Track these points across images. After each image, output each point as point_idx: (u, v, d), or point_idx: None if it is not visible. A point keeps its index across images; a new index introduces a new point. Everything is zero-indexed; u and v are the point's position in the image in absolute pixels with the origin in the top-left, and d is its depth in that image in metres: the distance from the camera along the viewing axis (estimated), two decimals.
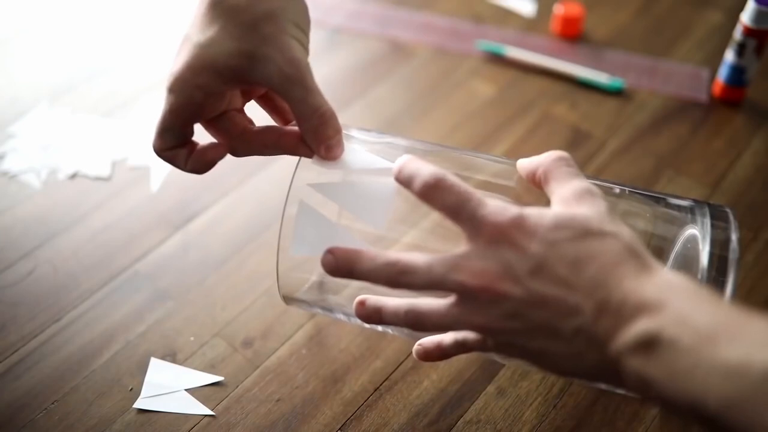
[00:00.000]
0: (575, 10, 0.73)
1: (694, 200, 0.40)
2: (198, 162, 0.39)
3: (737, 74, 0.65)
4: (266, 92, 0.41)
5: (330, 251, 0.34)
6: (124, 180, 0.60)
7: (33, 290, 0.52)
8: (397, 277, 0.32)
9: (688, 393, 0.27)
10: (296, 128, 0.38)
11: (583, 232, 0.32)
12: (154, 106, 0.67)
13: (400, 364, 0.48)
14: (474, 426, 0.45)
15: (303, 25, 0.36)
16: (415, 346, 0.39)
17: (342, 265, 0.33)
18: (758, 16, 0.60)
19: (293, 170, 0.40)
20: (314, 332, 0.50)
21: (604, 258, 0.31)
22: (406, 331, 0.41)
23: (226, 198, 0.59)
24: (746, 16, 0.61)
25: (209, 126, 0.40)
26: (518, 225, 0.31)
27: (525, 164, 0.37)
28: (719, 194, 0.59)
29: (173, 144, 0.39)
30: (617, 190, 0.39)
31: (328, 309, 0.42)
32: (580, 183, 0.34)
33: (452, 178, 0.33)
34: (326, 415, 0.45)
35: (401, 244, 0.39)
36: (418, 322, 0.33)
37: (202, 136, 0.40)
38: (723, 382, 0.26)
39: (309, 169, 0.39)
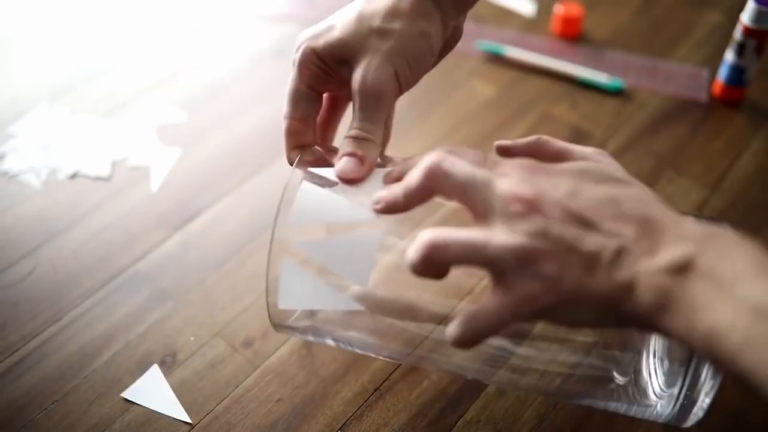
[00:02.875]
0: (575, 10, 0.73)
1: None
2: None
3: (737, 74, 0.65)
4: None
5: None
6: (124, 180, 0.60)
7: (33, 290, 0.52)
8: (430, 254, 0.31)
9: (705, 325, 0.27)
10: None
11: (611, 176, 0.33)
12: (154, 106, 0.67)
13: (400, 364, 0.48)
14: (474, 426, 0.45)
15: (413, 62, 0.39)
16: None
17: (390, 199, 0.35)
18: (758, 16, 0.60)
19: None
20: None
21: (640, 195, 0.32)
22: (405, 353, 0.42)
23: (226, 198, 0.59)
24: (746, 16, 0.61)
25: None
26: (545, 168, 0.33)
27: (508, 143, 0.39)
28: (719, 194, 0.59)
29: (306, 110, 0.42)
30: None
31: (319, 335, 0.42)
32: (587, 147, 0.36)
33: (444, 232, 0.31)
34: (326, 415, 0.45)
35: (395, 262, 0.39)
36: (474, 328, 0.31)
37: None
38: (747, 321, 0.26)
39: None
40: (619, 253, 0.30)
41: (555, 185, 0.31)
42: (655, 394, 0.38)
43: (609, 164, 0.34)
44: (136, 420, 0.45)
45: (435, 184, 0.33)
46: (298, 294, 0.38)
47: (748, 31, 0.62)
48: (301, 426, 0.45)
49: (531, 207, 0.30)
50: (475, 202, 0.32)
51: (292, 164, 0.40)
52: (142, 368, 0.48)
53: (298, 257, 0.38)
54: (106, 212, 0.58)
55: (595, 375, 0.38)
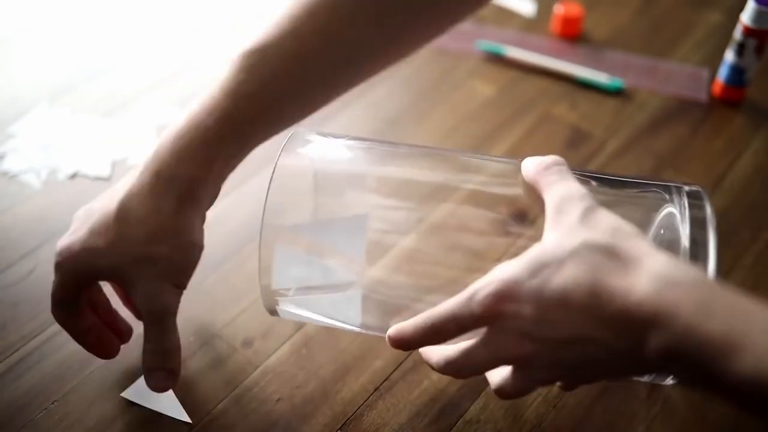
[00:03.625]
0: (575, 10, 0.73)
1: (666, 182, 0.40)
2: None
3: (737, 74, 0.65)
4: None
5: (389, 337, 0.38)
6: None
7: (33, 290, 0.52)
8: (454, 375, 0.38)
9: (725, 392, 0.29)
10: None
11: (560, 263, 0.32)
12: (154, 106, 0.67)
13: (400, 364, 0.48)
14: (474, 426, 0.45)
15: (188, 270, 0.41)
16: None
17: (396, 344, 0.38)
18: (758, 16, 0.60)
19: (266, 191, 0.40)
20: (314, 332, 0.50)
21: (588, 278, 0.31)
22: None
23: (226, 198, 0.59)
24: (746, 16, 0.61)
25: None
26: (502, 297, 0.33)
27: (526, 174, 0.38)
28: (719, 194, 0.59)
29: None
30: (593, 183, 0.40)
31: (317, 312, 0.43)
32: (561, 190, 0.35)
33: (432, 314, 0.36)
34: (326, 415, 0.45)
35: (399, 249, 0.39)
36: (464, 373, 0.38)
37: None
38: (750, 390, 0.27)
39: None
40: (609, 352, 0.32)
41: (523, 323, 0.33)
42: None
43: (562, 227, 0.34)
44: (136, 420, 0.45)
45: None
46: (291, 272, 0.39)
47: (748, 31, 0.62)
48: (301, 426, 0.45)
49: (522, 361, 0.35)
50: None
51: None
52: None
53: (288, 240, 0.39)
54: None
55: None
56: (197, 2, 0.79)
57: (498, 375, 0.36)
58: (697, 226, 0.37)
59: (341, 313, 0.41)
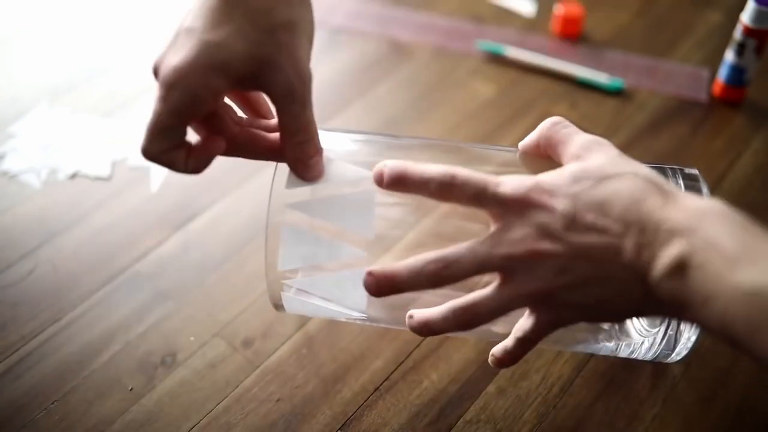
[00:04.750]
0: (575, 10, 0.73)
1: (662, 164, 0.41)
2: (201, 159, 0.37)
3: (737, 74, 0.65)
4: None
5: (369, 273, 0.34)
6: (124, 180, 0.60)
7: (33, 290, 0.52)
8: (441, 272, 0.33)
9: (717, 316, 0.28)
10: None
11: (601, 177, 0.33)
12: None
13: (400, 364, 0.48)
14: (474, 426, 0.45)
15: (312, 39, 0.37)
16: (490, 357, 0.38)
17: (383, 282, 0.33)
18: (758, 16, 0.60)
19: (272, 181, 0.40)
20: (314, 332, 0.50)
21: (628, 195, 0.32)
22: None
23: (226, 198, 0.59)
24: (746, 16, 0.61)
25: (200, 124, 0.38)
26: (539, 190, 0.33)
27: (526, 142, 0.39)
28: (719, 194, 0.59)
29: (172, 145, 0.35)
30: None
31: (321, 303, 0.42)
32: (584, 137, 0.36)
33: (462, 170, 0.33)
34: (326, 415, 0.45)
35: (402, 245, 0.39)
36: (473, 318, 0.34)
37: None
38: (745, 306, 0.27)
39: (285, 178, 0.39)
40: (626, 270, 0.31)
41: (552, 216, 0.32)
42: (637, 332, 0.41)
43: (601, 157, 0.34)
44: (136, 420, 0.45)
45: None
46: (298, 251, 0.38)
47: (748, 31, 0.62)
48: (301, 426, 0.45)
49: (535, 256, 0.32)
50: (486, 269, 0.33)
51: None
52: (142, 368, 0.48)
53: (294, 218, 0.38)
54: (106, 212, 0.58)
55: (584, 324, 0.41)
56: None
57: (471, 295, 0.34)
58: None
59: (347, 295, 0.40)
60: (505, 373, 0.47)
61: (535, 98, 0.68)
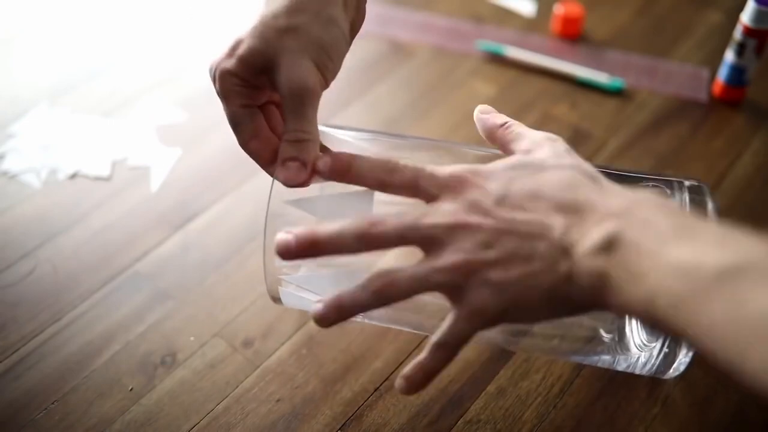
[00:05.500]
0: (575, 10, 0.73)
1: (667, 176, 0.41)
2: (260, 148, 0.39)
3: (737, 74, 0.65)
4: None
5: (287, 231, 0.33)
6: (124, 180, 0.60)
7: (33, 290, 0.52)
8: (368, 229, 0.32)
9: (642, 294, 0.28)
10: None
11: (540, 168, 0.34)
12: (154, 106, 0.67)
13: (400, 364, 0.48)
14: (474, 426, 0.45)
15: (330, 51, 0.37)
16: (397, 381, 0.35)
17: (302, 242, 0.33)
18: (758, 16, 0.60)
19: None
20: (314, 332, 0.50)
21: (563, 181, 0.33)
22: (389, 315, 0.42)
23: (226, 198, 0.59)
24: (746, 16, 0.61)
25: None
26: (474, 172, 0.34)
27: (481, 121, 0.40)
28: (719, 194, 0.59)
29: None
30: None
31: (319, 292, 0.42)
32: (537, 133, 0.37)
33: (401, 160, 0.35)
34: (326, 415, 0.45)
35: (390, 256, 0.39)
36: (390, 286, 0.32)
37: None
38: (673, 281, 0.27)
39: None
40: (553, 247, 0.31)
41: (485, 194, 0.33)
42: (636, 347, 0.41)
43: (547, 151, 0.35)
44: (136, 420, 0.45)
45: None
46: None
47: (748, 31, 0.62)
48: (301, 426, 0.45)
49: (460, 226, 0.32)
50: (412, 242, 0.33)
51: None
52: (142, 368, 0.48)
53: (294, 215, 0.39)
54: (106, 212, 0.58)
55: (585, 335, 0.41)
56: (197, 2, 0.79)
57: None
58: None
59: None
60: (505, 372, 0.47)
61: (535, 98, 0.68)
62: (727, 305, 0.25)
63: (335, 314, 0.33)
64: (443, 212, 0.33)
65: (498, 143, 0.39)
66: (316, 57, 0.37)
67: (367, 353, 0.48)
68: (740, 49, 0.63)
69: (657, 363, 0.40)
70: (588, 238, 0.30)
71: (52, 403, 0.46)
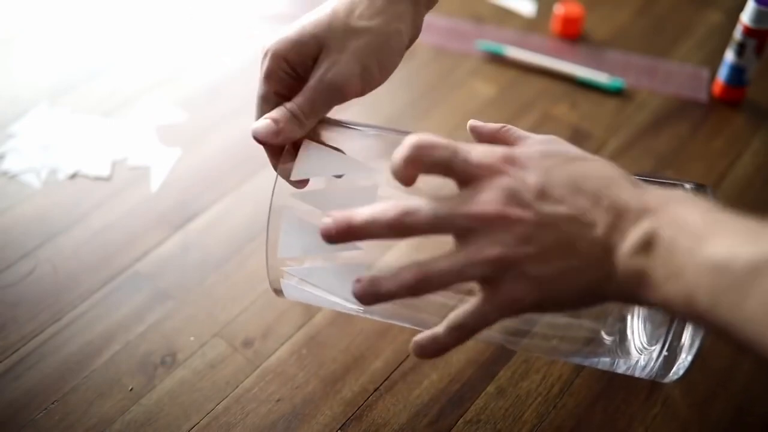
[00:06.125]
0: (575, 10, 0.73)
1: (673, 180, 0.41)
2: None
3: (737, 74, 0.65)
4: None
5: (328, 215, 0.32)
6: (124, 180, 0.60)
7: (33, 290, 0.52)
8: (401, 219, 0.31)
9: (681, 291, 0.28)
10: None
11: (570, 158, 0.33)
12: (154, 106, 0.67)
13: (400, 364, 0.48)
14: (474, 426, 0.45)
15: (384, 63, 0.39)
16: (411, 344, 0.34)
17: (341, 224, 0.32)
18: (758, 16, 0.60)
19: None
20: (314, 332, 0.50)
21: (600, 173, 0.33)
22: (407, 315, 0.42)
23: (226, 198, 0.59)
24: (746, 16, 0.61)
25: None
26: (510, 160, 0.33)
27: (475, 131, 0.39)
28: (719, 194, 0.59)
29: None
30: None
31: (322, 293, 0.42)
32: (540, 135, 0.36)
33: (432, 137, 0.32)
34: (326, 415, 0.45)
35: (405, 243, 0.39)
36: (424, 278, 0.31)
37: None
38: (709, 278, 0.27)
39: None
40: (594, 245, 0.31)
41: (524, 185, 0.32)
42: (637, 350, 0.41)
43: (563, 145, 0.35)
44: (136, 420, 0.45)
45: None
46: (298, 242, 0.39)
47: (748, 31, 0.62)
48: (301, 426, 0.45)
49: (500, 219, 0.31)
50: (445, 232, 0.32)
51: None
52: (142, 368, 0.48)
53: (296, 208, 0.39)
54: (106, 212, 0.58)
55: (585, 336, 0.41)
56: (197, 2, 0.79)
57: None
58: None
59: (345, 287, 0.40)
60: (505, 372, 0.47)
61: (535, 98, 0.68)
62: (764, 297, 0.26)
63: (372, 299, 0.32)
64: (480, 201, 0.31)
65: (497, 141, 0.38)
66: (367, 63, 0.38)
67: (367, 353, 0.48)
68: (740, 49, 0.63)
69: (657, 366, 0.40)
70: (628, 239, 0.30)
71: (52, 403, 0.46)
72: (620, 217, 0.31)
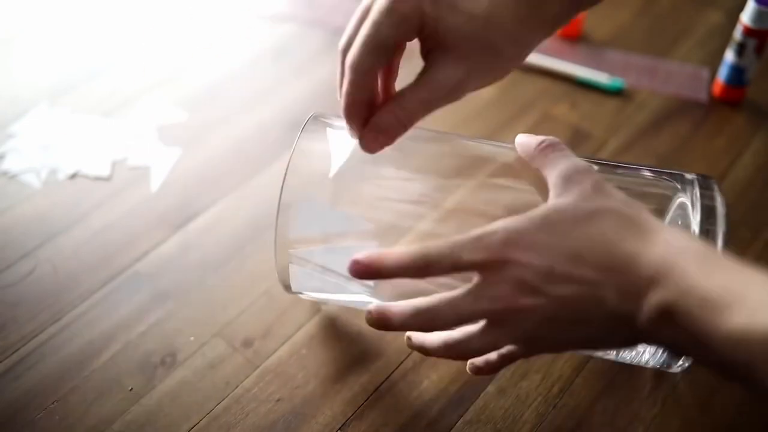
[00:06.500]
0: None
1: (680, 172, 0.41)
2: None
3: (737, 74, 0.65)
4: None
5: (361, 256, 0.34)
6: (124, 180, 0.60)
7: (33, 290, 0.52)
8: (425, 325, 0.34)
9: (709, 356, 0.29)
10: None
11: (573, 222, 0.33)
12: (154, 106, 0.67)
13: (400, 364, 0.48)
14: (474, 426, 0.45)
15: (496, 71, 0.39)
16: (468, 365, 0.39)
17: (375, 324, 0.36)
18: (758, 16, 0.60)
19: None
20: (314, 332, 0.50)
21: (603, 239, 0.32)
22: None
23: (226, 198, 0.59)
24: (746, 16, 0.61)
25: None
26: (512, 245, 0.32)
27: (521, 151, 0.39)
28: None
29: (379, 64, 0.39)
30: (604, 170, 0.41)
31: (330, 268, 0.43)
32: (567, 163, 0.35)
33: (432, 248, 0.33)
34: (326, 415, 0.45)
35: (415, 233, 0.39)
36: (460, 354, 0.36)
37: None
38: (734, 352, 0.28)
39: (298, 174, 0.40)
40: (608, 316, 0.32)
41: (530, 271, 0.32)
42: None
43: (575, 193, 0.34)
44: (136, 420, 0.45)
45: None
46: (311, 223, 0.39)
47: (748, 31, 0.62)
48: (301, 426, 0.45)
49: (516, 312, 0.33)
50: (469, 322, 0.34)
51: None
52: (142, 368, 0.48)
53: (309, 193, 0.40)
54: (106, 212, 0.58)
55: None
56: (197, 2, 0.79)
57: (461, 331, 0.35)
58: (708, 215, 0.38)
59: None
60: (505, 373, 0.47)
61: (535, 98, 0.68)
62: None
63: (383, 327, 0.36)
64: (494, 297, 0.32)
65: (532, 160, 0.38)
66: (476, 64, 0.37)
67: (367, 353, 0.48)
68: (740, 49, 0.63)
69: (663, 357, 0.40)
70: (643, 312, 0.31)
71: (52, 404, 0.46)
72: (629, 287, 0.31)
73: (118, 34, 0.75)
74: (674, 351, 0.32)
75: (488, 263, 0.32)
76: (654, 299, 0.30)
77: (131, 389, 0.47)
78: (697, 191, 0.39)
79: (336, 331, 0.50)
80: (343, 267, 0.35)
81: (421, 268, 0.33)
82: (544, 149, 0.37)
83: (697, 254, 0.30)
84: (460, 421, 0.45)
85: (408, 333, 0.38)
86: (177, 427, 0.45)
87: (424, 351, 0.37)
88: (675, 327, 0.30)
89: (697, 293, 0.29)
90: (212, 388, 0.47)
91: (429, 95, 0.37)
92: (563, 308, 0.32)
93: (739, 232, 0.55)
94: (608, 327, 0.32)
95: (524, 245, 0.32)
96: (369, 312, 0.36)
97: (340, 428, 0.45)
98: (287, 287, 0.44)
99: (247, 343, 0.49)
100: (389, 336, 0.49)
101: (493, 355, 0.38)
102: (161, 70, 0.71)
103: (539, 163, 0.37)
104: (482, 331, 0.34)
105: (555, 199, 0.34)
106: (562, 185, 0.34)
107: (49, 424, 0.45)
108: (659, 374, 0.47)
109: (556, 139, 0.38)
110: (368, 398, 0.46)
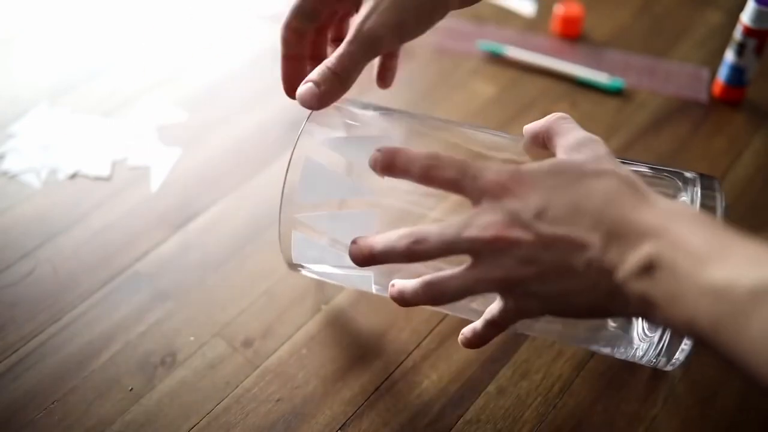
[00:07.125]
0: (575, 10, 0.73)
1: (682, 171, 0.41)
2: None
3: (737, 74, 0.65)
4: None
5: (353, 241, 0.35)
6: (124, 180, 0.60)
7: (33, 290, 0.52)
8: (412, 247, 0.34)
9: (683, 314, 0.29)
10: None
11: (580, 174, 0.33)
12: (155, 106, 0.67)
13: (400, 364, 0.48)
14: (474, 426, 0.45)
15: (420, 15, 0.40)
16: (459, 336, 0.40)
17: (365, 253, 0.35)
18: (758, 16, 0.60)
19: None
20: (314, 332, 0.50)
21: (603, 193, 0.33)
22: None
23: (226, 198, 0.59)
24: (746, 16, 0.61)
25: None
26: (517, 179, 0.33)
27: (530, 128, 0.39)
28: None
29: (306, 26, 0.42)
30: None
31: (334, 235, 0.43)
32: (580, 133, 0.36)
33: (445, 154, 0.34)
34: (326, 415, 0.45)
35: (428, 219, 0.40)
36: (438, 293, 0.35)
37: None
38: (711, 303, 0.28)
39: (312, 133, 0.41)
40: (591, 266, 0.32)
41: (525, 206, 0.33)
42: (638, 336, 0.41)
43: (587, 154, 0.35)
44: (135, 420, 0.45)
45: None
46: (318, 188, 0.40)
47: (748, 31, 0.62)
48: (301, 426, 0.45)
49: (500, 242, 0.33)
50: (455, 254, 0.34)
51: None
52: (142, 368, 0.48)
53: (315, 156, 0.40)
54: (106, 212, 0.58)
55: (590, 322, 0.42)
56: (197, 2, 0.79)
57: (443, 272, 0.36)
58: (709, 213, 0.38)
59: (357, 232, 0.41)
60: (505, 372, 0.47)
61: (535, 98, 0.68)
62: (765, 324, 0.26)
63: (399, 301, 0.37)
64: (483, 225, 0.33)
65: (544, 134, 0.38)
66: (406, 17, 0.38)
67: (367, 353, 0.48)
68: (740, 49, 0.63)
69: (657, 353, 0.40)
70: (627, 261, 0.31)
71: (52, 403, 0.46)
72: (618, 240, 0.31)
73: (118, 34, 0.75)
74: (640, 311, 0.31)
75: (489, 187, 0.33)
76: (642, 251, 0.30)
77: (131, 389, 0.46)
78: (698, 190, 0.39)
79: (336, 331, 0.50)
80: (345, 235, 0.35)
81: (429, 166, 0.34)
82: (556, 120, 0.38)
83: (692, 218, 0.31)
84: (460, 421, 0.45)
85: (394, 281, 0.37)
86: (177, 427, 0.45)
87: (403, 299, 0.36)
88: (651, 281, 0.30)
89: (685, 247, 0.29)
90: (212, 388, 0.47)
91: (353, 47, 0.39)
92: (547, 250, 0.32)
93: (723, 199, 0.55)
94: (587, 277, 0.32)
95: (528, 182, 0.33)
96: (373, 159, 0.35)
97: (340, 428, 0.45)
98: (288, 258, 0.44)
99: (247, 343, 0.49)
100: (389, 336, 0.49)
101: (478, 324, 0.38)
102: (161, 70, 0.71)
103: (551, 132, 0.37)
104: (463, 270, 0.34)
105: (567, 154, 0.35)
106: (575, 147, 0.35)
107: (49, 424, 0.45)
108: (659, 374, 0.47)
109: (566, 114, 0.38)
110: (368, 398, 0.46)
